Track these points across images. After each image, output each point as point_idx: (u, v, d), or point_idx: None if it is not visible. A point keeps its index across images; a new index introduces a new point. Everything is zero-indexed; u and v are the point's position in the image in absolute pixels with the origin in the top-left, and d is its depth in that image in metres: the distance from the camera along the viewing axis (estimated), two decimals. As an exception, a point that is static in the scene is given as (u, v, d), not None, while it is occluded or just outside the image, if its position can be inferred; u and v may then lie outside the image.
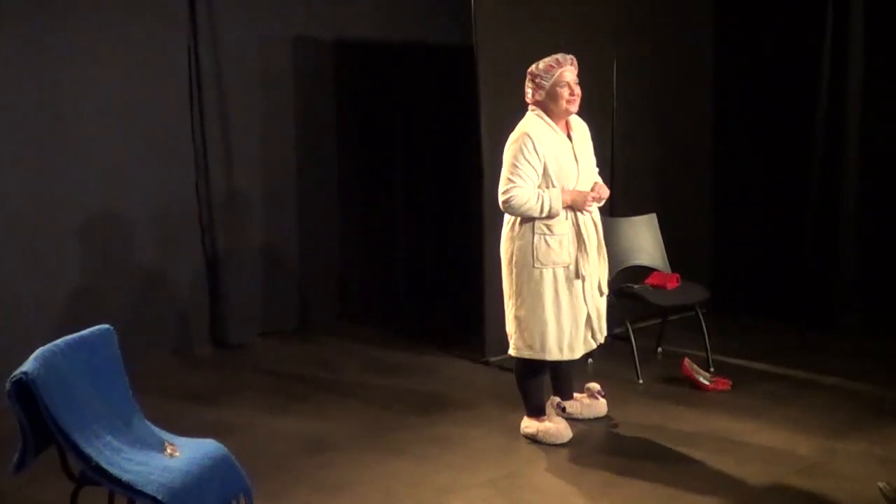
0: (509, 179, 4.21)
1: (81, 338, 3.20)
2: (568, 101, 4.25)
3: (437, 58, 6.81)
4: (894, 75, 6.18)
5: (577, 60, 4.35)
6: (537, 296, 4.28)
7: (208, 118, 5.90)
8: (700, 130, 6.70)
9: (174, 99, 5.81)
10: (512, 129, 4.35)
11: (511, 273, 4.35)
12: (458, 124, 6.14)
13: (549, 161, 4.22)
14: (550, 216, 4.21)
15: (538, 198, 4.17)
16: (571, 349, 4.36)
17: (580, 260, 4.29)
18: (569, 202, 4.23)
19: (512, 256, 4.33)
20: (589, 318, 4.38)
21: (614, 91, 5.98)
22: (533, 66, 4.32)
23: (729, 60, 6.65)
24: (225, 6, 5.87)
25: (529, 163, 4.19)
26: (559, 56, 4.28)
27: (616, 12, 5.99)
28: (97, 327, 3.30)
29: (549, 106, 4.29)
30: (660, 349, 5.82)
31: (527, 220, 4.25)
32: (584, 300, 4.34)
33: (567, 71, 4.26)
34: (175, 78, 5.79)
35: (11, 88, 5.14)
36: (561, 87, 4.24)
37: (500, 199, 4.25)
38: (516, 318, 4.36)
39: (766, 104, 6.58)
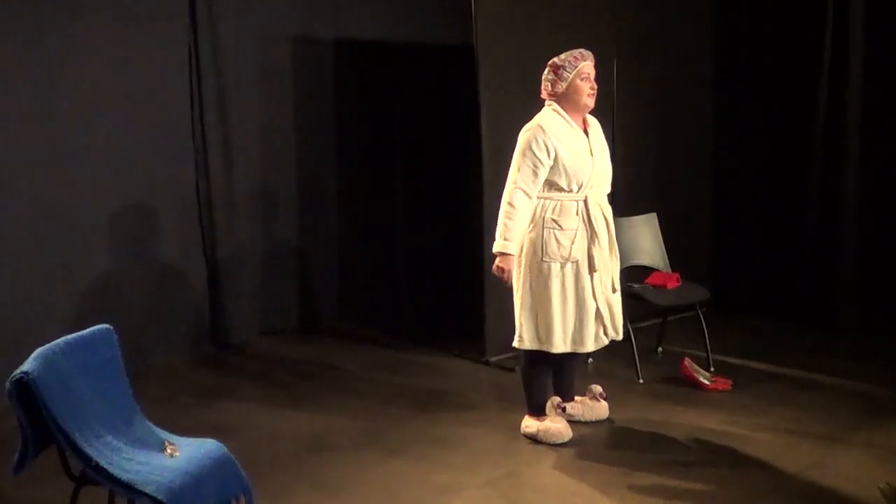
0: (515, 172, 4.25)
1: (81, 337, 3.20)
2: (588, 95, 4.29)
3: (437, 57, 6.81)
4: (894, 75, 6.18)
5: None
6: (545, 289, 4.29)
7: (208, 118, 5.89)
8: (700, 130, 6.71)
9: (174, 99, 5.80)
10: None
11: (520, 266, 4.36)
12: (458, 124, 6.14)
13: (562, 153, 4.22)
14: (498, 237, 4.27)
15: (511, 223, 4.22)
16: (576, 343, 4.35)
17: (595, 254, 4.31)
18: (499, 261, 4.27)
19: (522, 250, 4.34)
20: (599, 314, 4.38)
21: (614, 91, 5.97)
22: (556, 58, 4.32)
23: (729, 60, 6.66)
24: (225, 5, 5.87)
25: (536, 155, 4.20)
26: (582, 50, 4.32)
27: (616, 12, 5.99)
28: (97, 327, 3.30)
29: (568, 98, 4.30)
30: (660, 349, 5.82)
31: (537, 214, 4.28)
32: (594, 296, 4.34)
33: (588, 65, 4.30)
34: (175, 78, 5.79)
35: (10, 88, 5.14)
36: (582, 79, 4.27)
37: (506, 188, 4.28)
38: (524, 310, 4.36)
39: (767, 104, 6.59)
